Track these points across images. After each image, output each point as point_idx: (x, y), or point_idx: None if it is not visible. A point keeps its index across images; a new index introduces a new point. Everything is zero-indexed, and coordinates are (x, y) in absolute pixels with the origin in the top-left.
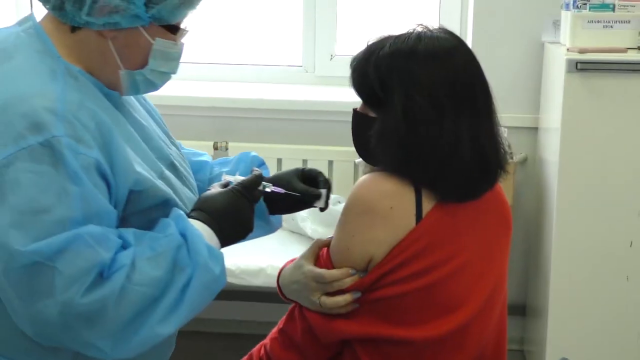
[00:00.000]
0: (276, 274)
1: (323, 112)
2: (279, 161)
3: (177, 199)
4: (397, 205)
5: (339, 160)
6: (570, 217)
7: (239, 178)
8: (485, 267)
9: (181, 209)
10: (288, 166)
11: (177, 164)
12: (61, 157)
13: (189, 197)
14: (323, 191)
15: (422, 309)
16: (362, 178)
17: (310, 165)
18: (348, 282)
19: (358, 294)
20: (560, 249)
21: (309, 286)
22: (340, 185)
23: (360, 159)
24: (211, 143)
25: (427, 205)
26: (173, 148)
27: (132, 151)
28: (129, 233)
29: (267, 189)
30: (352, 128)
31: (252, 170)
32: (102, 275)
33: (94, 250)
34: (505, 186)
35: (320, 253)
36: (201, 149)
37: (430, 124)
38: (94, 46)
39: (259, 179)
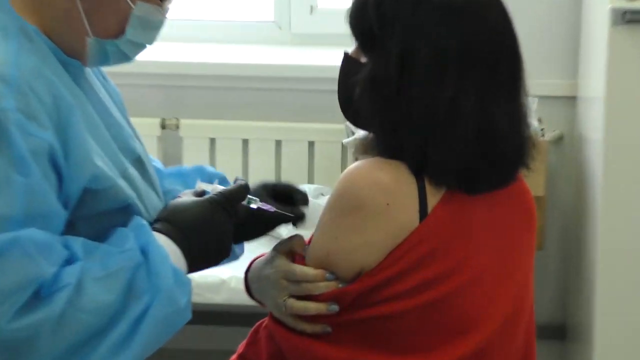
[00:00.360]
0: (241, 288)
1: (302, 79)
2: (245, 143)
3: (140, 206)
4: (396, 200)
5: (323, 141)
6: (620, 211)
7: (218, 187)
8: (505, 276)
9: (144, 218)
10: (257, 149)
11: (144, 161)
12: (7, 136)
13: (155, 205)
14: (306, 211)
15: (426, 332)
16: (351, 167)
17: (287, 147)
18: (322, 287)
19: (335, 308)
20: (607, 254)
21: (277, 284)
22: (325, 173)
23: (350, 139)
24: (158, 120)
25: (433, 198)
26: (137, 141)
27: (92, 139)
28: (77, 243)
29: (253, 205)
30: (339, 76)
31: (235, 180)
32: (40, 294)
33: (34, 261)
34: (535, 172)
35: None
36: (146, 128)
37: (427, 83)
38: (58, 3)
39: (245, 190)
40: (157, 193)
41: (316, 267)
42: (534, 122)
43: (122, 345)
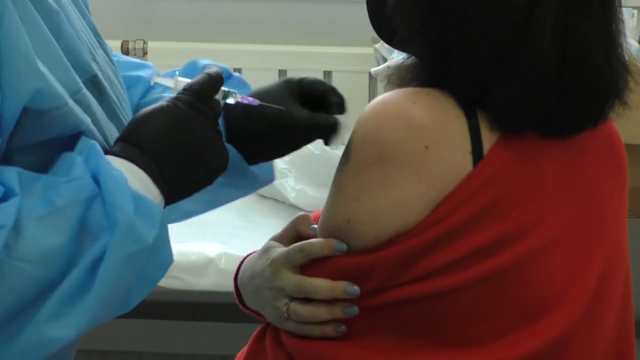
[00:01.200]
0: (233, 269)
1: None
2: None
3: (97, 134)
4: (437, 141)
5: (344, 70)
6: None
7: (181, 82)
8: (591, 241)
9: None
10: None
11: (103, 81)
12: None
13: (113, 134)
14: (341, 118)
15: (485, 318)
16: (374, 101)
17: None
18: (324, 289)
19: (355, 290)
20: None
21: (272, 280)
22: (348, 116)
23: (381, 67)
24: (118, 44)
25: (489, 136)
26: (100, 53)
27: (35, 48)
28: (12, 174)
29: (230, 100)
30: None
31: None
32: None
33: None
34: (633, 111)
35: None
36: None
37: None
38: None
39: (215, 80)
40: (119, 121)
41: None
42: (632, 42)
43: (75, 300)
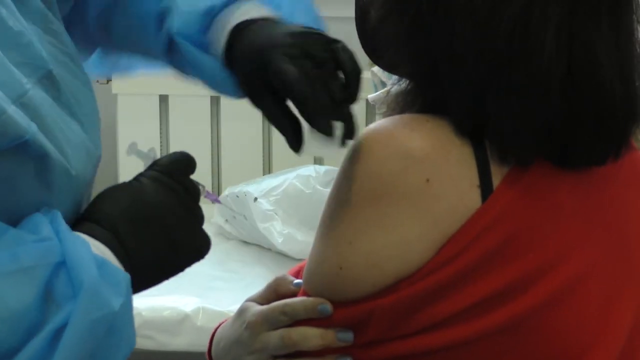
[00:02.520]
0: (212, 326)
1: None
2: (215, 101)
3: (45, 142)
4: (439, 172)
5: None
6: None
7: (152, 156)
8: (621, 281)
9: (54, 160)
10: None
11: (57, 75)
12: None
13: (77, 139)
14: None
15: None
16: (367, 129)
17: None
18: (313, 337)
19: (349, 337)
20: None
21: (251, 344)
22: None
23: (378, 93)
24: None
25: (498, 168)
26: (60, 35)
27: None
28: None
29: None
30: None
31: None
32: None
33: None
34: None
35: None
36: None
37: None
38: None
39: (188, 159)
40: (79, 118)
41: (321, 292)
42: None
43: None
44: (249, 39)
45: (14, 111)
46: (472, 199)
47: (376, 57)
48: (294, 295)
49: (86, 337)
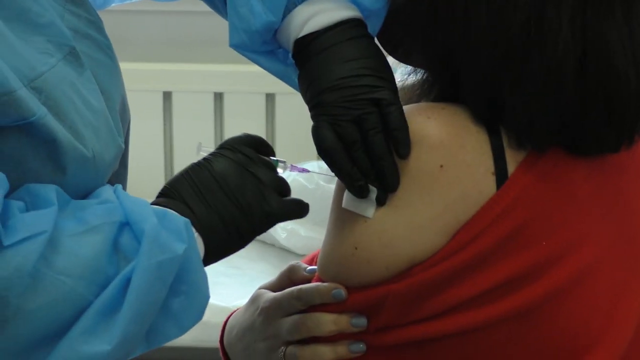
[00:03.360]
0: (221, 323)
1: None
2: (219, 98)
3: (55, 125)
4: (454, 158)
5: None
6: None
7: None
8: (630, 271)
9: (66, 143)
10: (238, 108)
11: (80, 51)
12: None
13: (96, 112)
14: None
15: (515, 358)
16: None
17: (282, 104)
18: (327, 323)
19: (362, 322)
20: None
21: (265, 330)
22: None
23: None
24: None
25: (513, 155)
26: (85, 6)
27: None
28: (50, 188)
29: (279, 169)
30: None
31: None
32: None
33: None
34: None
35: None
36: None
37: None
38: None
39: (250, 137)
40: (105, 92)
41: (336, 276)
42: None
43: (109, 313)
44: (308, 68)
45: (24, 93)
46: (487, 185)
47: (391, 48)
48: (307, 282)
49: (153, 281)
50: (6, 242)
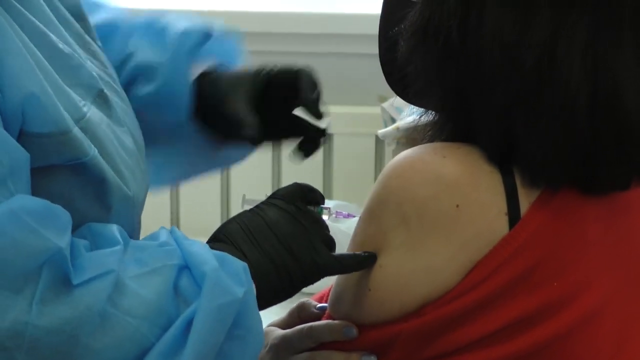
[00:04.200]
0: None
1: (311, 37)
2: None
3: (102, 163)
4: (469, 198)
5: (346, 133)
6: None
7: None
8: (633, 317)
9: (112, 183)
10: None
11: (108, 93)
12: None
13: (127, 159)
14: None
15: None
16: (398, 157)
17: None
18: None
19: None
20: None
21: None
22: (350, 182)
23: (389, 129)
24: None
25: (526, 196)
26: (99, 56)
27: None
28: (113, 227)
29: (324, 216)
30: (380, 21)
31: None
32: (69, 280)
33: (40, 235)
34: None
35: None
36: None
37: (505, 24)
38: None
39: (302, 187)
40: (133, 135)
41: (348, 315)
42: None
43: (171, 356)
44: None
45: (78, 133)
46: (499, 225)
47: (401, 89)
48: (317, 319)
49: (214, 323)
50: (75, 281)
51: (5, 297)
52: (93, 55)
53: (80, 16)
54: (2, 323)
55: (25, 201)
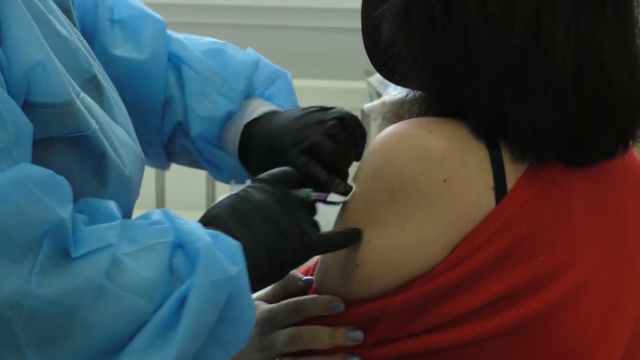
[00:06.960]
0: None
1: (300, 11)
2: None
3: (102, 138)
4: (456, 173)
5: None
6: None
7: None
8: (621, 287)
9: (111, 159)
10: None
11: (102, 81)
12: None
13: (123, 140)
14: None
15: None
16: (385, 131)
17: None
18: (323, 336)
19: (359, 336)
20: None
21: (259, 342)
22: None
23: (374, 103)
24: None
25: (513, 171)
26: (89, 48)
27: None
28: (111, 203)
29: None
30: (363, 3)
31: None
32: (68, 253)
33: (44, 205)
34: None
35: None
36: None
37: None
38: None
39: (282, 172)
40: (123, 124)
41: (334, 290)
42: None
43: (166, 331)
44: (260, 132)
45: (80, 104)
46: (487, 200)
47: (387, 72)
48: (302, 292)
49: (208, 300)
50: (74, 254)
51: (5, 267)
52: (83, 45)
53: (67, 10)
54: (1, 292)
55: (31, 170)
